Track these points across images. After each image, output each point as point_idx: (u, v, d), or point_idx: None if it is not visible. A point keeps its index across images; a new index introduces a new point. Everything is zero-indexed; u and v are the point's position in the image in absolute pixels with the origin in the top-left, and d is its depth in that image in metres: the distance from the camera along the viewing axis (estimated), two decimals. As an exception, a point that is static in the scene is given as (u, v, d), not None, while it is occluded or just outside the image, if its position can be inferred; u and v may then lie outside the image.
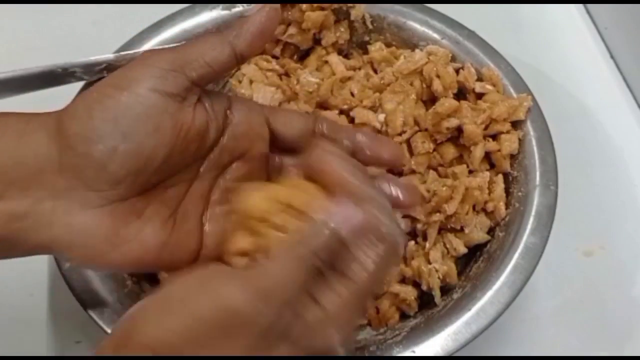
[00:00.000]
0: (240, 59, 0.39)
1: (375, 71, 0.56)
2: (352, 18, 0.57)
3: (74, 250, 0.36)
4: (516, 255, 0.46)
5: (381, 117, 0.52)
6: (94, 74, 0.51)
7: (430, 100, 0.53)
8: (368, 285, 0.33)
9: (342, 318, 0.33)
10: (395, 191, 0.40)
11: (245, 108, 0.40)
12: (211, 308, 0.30)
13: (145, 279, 0.49)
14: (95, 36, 0.66)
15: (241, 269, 0.33)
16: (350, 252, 0.33)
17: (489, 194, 0.50)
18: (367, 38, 0.58)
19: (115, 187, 0.36)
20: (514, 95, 0.53)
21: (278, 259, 0.32)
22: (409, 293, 0.48)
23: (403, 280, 0.50)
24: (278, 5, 0.40)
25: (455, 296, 0.47)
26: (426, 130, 0.52)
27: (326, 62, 0.56)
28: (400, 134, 0.51)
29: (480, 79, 0.54)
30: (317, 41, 0.57)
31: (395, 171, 0.52)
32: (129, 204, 0.37)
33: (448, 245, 0.49)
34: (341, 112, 0.52)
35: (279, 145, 0.42)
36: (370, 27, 0.57)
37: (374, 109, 0.52)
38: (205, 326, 0.30)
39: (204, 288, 0.31)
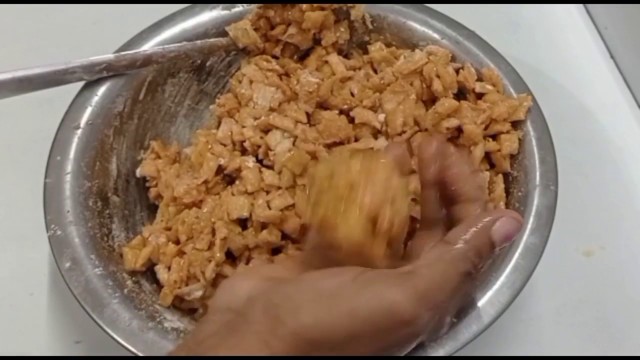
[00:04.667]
0: None
1: (375, 71, 0.56)
2: (352, 18, 0.57)
3: None
4: (516, 255, 0.46)
5: (381, 117, 0.52)
6: (94, 74, 0.51)
7: (430, 100, 0.53)
8: (476, 285, 0.38)
9: (454, 308, 0.36)
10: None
11: None
12: (373, 310, 0.31)
13: (145, 278, 0.49)
14: (95, 36, 0.66)
15: (399, 272, 0.33)
16: (491, 257, 0.35)
17: (489, 194, 0.50)
18: (367, 38, 0.58)
19: None
20: (514, 95, 0.53)
21: (438, 258, 0.33)
22: (409, 293, 0.48)
23: (403, 280, 0.49)
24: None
25: (455, 296, 0.47)
26: (426, 130, 0.52)
27: (326, 62, 0.56)
28: (400, 134, 0.51)
29: (480, 79, 0.54)
30: (317, 41, 0.57)
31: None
32: None
33: (448, 245, 0.49)
34: (341, 112, 0.52)
35: None
36: (370, 27, 0.57)
37: (374, 109, 0.52)
38: (366, 327, 0.31)
39: (364, 288, 0.32)
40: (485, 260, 0.34)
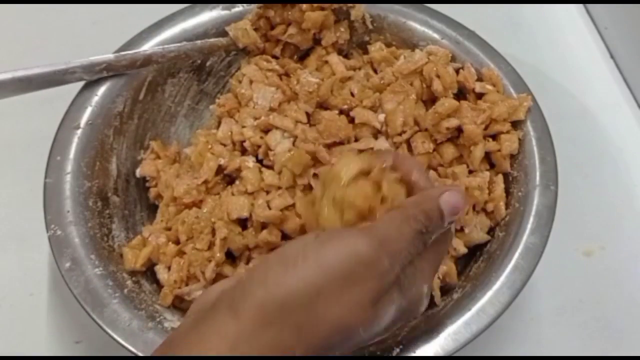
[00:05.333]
0: None
1: (375, 71, 0.56)
2: (352, 18, 0.57)
3: None
4: (516, 255, 0.46)
5: (381, 117, 0.52)
6: (94, 74, 0.51)
7: (430, 100, 0.53)
8: (444, 253, 0.40)
9: (427, 274, 0.38)
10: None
11: None
12: (338, 256, 0.33)
13: (145, 278, 0.49)
14: (95, 36, 0.66)
15: (357, 227, 0.36)
16: (442, 225, 0.38)
17: (489, 194, 0.50)
18: (367, 38, 0.58)
19: None
20: (514, 95, 0.53)
21: (392, 217, 0.36)
22: (409, 293, 0.48)
23: (403, 280, 0.49)
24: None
25: (455, 296, 0.47)
26: (426, 130, 0.52)
27: (326, 62, 0.56)
28: (400, 134, 0.51)
29: (480, 79, 0.54)
30: (317, 41, 0.57)
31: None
32: None
33: (448, 245, 0.49)
34: (341, 112, 0.52)
35: None
36: (370, 27, 0.57)
37: (374, 109, 0.52)
38: (333, 274, 0.33)
39: (327, 241, 0.34)
40: (435, 224, 0.37)
